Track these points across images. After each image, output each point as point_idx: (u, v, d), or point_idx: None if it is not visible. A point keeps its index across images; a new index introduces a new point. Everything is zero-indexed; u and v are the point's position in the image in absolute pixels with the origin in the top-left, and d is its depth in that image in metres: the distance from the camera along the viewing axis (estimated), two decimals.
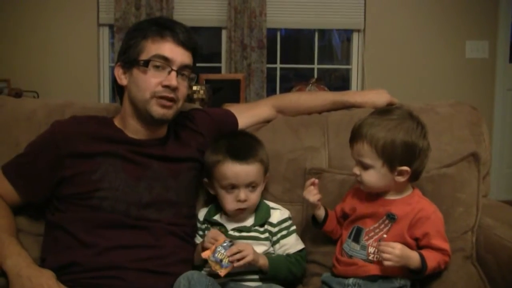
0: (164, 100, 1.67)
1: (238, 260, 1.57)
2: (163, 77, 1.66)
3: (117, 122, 1.78)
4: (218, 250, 1.57)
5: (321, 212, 1.70)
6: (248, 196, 1.70)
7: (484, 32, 4.81)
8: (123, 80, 1.73)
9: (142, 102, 1.67)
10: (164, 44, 1.67)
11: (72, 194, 1.63)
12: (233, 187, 1.70)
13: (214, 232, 1.67)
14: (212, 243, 1.60)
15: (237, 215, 1.74)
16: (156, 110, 1.67)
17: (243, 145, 1.74)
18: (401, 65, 4.75)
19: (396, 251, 1.49)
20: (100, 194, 1.62)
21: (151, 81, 1.65)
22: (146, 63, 1.65)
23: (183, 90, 1.71)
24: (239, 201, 1.69)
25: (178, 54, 1.68)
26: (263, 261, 1.65)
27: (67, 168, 1.64)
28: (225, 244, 1.59)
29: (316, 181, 1.67)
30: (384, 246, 1.51)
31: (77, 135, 1.68)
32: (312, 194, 1.66)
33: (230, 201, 1.71)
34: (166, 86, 1.65)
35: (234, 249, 1.58)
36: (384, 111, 1.65)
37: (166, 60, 1.66)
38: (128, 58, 1.70)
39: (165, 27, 1.69)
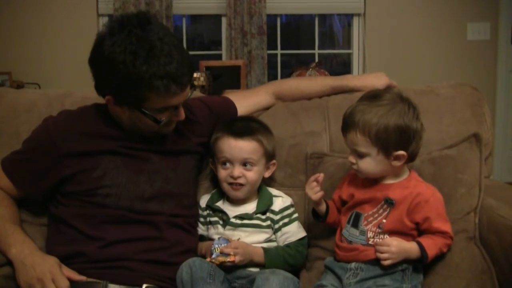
0: (170, 124, 1.68)
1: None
2: (170, 115, 1.63)
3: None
4: (215, 247, 1.63)
5: (322, 208, 1.68)
6: (243, 173, 1.72)
7: (485, 14, 4.77)
8: (116, 109, 1.64)
9: (146, 130, 1.67)
10: (172, 97, 1.58)
11: (75, 191, 1.63)
12: (228, 162, 1.73)
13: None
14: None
15: (232, 193, 1.74)
16: (161, 132, 1.68)
17: (243, 124, 1.77)
18: (402, 48, 4.72)
19: (392, 249, 1.49)
20: (103, 191, 1.62)
21: (159, 123, 1.63)
22: (158, 121, 1.60)
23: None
24: (232, 177, 1.71)
25: (183, 96, 1.61)
26: (258, 258, 1.67)
27: (67, 167, 1.63)
28: (219, 241, 1.66)
29: (321, 177, 1.64)
30: (379, 245, 1.50)
31: (74, 134, 1.65)
32: (314, 192, 1.63)
33: (224, 176, 1.73)
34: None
35: (226, 249, 1.62)
36: (374, 95, 1.59)
37: (175, 108, 1.63)
38: (128, 101, 1.59)
39: (168, 77, 1.52)
